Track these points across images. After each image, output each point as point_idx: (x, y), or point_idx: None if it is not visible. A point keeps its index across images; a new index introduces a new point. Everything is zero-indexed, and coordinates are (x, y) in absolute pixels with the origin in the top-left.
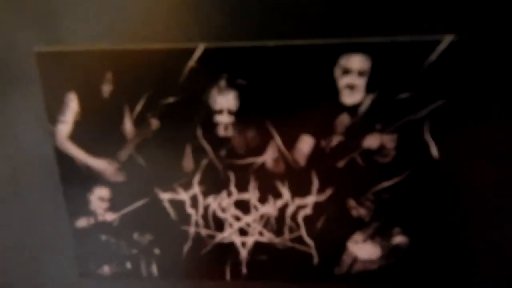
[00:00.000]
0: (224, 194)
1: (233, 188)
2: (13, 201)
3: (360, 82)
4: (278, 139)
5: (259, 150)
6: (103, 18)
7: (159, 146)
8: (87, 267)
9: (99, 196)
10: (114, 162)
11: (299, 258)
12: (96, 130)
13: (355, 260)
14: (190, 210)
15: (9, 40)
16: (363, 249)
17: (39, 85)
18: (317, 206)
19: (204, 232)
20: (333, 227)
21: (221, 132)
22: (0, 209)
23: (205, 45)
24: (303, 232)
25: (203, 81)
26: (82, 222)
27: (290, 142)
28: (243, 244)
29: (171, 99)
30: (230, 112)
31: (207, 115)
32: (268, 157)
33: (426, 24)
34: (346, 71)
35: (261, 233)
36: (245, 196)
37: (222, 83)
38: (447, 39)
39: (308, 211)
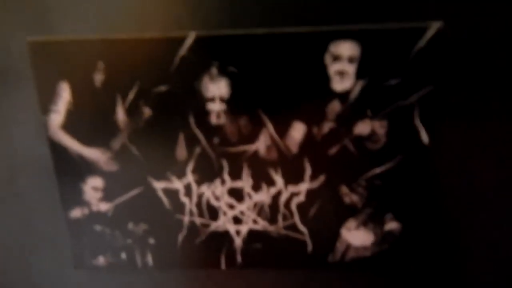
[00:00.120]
0: (217, 182)
1: (226, 176)
2: (7, 195)
3: (350, 68)
4: (270, 127)
5: (252, 137)
6: (95, 8)
7: (152, 135)
8: (82, 258)
9: (92, 186)
10: (107, 151)
11: (293, 245)
12: (89, 120)
13: (348, 247)
14: (184, 199)
15: (1, 31)
16: (356, 236)
17: (32, 75)
18: (310, 193)
19: (198, 221)
20: (326, 214)
21: (213, 120)
22: None
23: (196, 33)
24: (297, 219)
25: (194, 69)
26: (76, 213)
27: (282, 130)
28: (238, 232)
29: (163, 88)
30: (222, 100)
31: (199, 103)
32: (261, 145)
33: (414, 11)
34: (336, 58)
35: (255, 221)
36: (238, 184)
37: (214, 70)
38: (434, 26)
39: (301, 198)
